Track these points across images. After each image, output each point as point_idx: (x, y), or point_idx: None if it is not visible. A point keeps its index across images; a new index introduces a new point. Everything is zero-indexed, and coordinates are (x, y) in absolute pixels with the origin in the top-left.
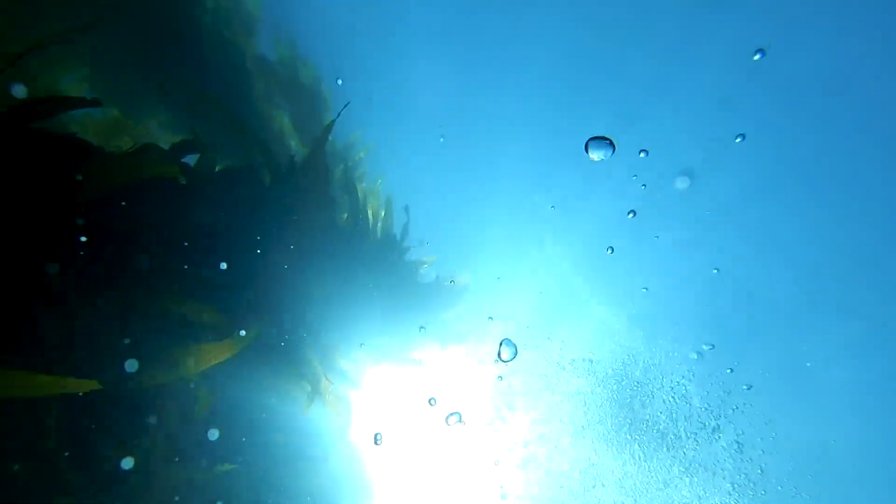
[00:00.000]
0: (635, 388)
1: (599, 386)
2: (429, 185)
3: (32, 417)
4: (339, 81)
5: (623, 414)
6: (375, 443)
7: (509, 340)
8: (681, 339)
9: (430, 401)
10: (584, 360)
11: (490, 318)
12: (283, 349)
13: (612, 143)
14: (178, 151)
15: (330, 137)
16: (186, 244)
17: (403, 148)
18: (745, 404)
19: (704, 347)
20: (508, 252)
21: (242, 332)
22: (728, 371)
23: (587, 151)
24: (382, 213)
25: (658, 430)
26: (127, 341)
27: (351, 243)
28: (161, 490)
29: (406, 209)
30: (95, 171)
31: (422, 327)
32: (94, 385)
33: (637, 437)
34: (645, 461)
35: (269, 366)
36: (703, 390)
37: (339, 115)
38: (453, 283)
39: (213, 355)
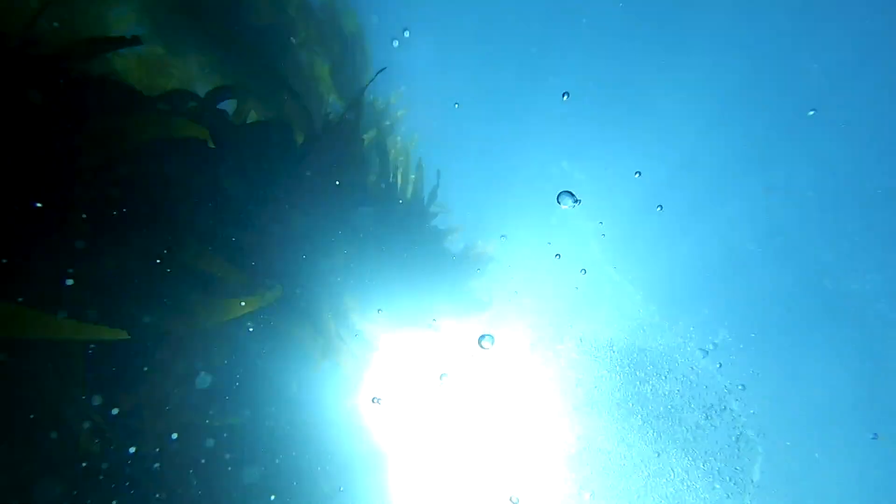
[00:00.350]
0: (647, 367)
1: (611, 363)
2: (461, 149)
3: (57, 362)
4: (406, 34)
5: (631, 389)
6: (373, 401)
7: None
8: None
9: (440, 377)
10: (601, 344)
11: (516, 292)
12: (302, 310)
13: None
14: (216, 97)
15: (369, 98)
16: (214, 198)
17: (440, 112)
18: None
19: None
20: (536, 223)
21: (264, 292)
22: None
23: (558, 202)
24: (412, 177)
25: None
26: (147, 291)
27: (379, 206)
28: (166, 432)
29: (438, 173)
30: (131, 124)
31: (434, 319)
32: (122, 334)
33: (640, 410)
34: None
35: (287, 325)
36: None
37: (372, 79)
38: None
39: (231, 311)
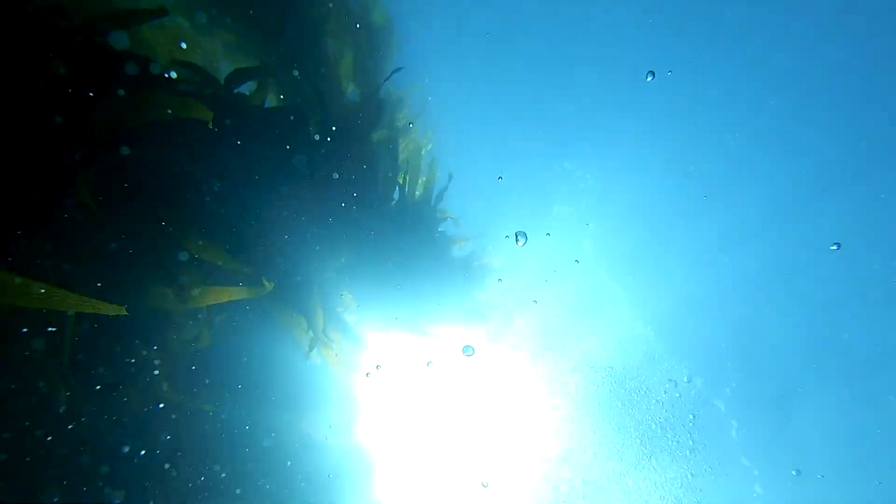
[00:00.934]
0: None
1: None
2: (476, 155)
3: (47, 333)
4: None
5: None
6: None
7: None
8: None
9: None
10: (599, 366)
11: (534, 301)
12: (293, 302)
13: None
14: (237, 78)
15: (387, 91)
16: (217, 183)
17: (460, 117)
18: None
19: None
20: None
21: (259, 283)
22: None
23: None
24: (423, 179)
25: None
26: (140, 268)
27: (386, 206)
28: (144, 409)
29: (450, 176)
30: (138, 98)
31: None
32: (120, 310)
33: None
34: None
35: (279, 316)
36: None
37: (388, 77)
38: (500, 281)
39: (218, 296)
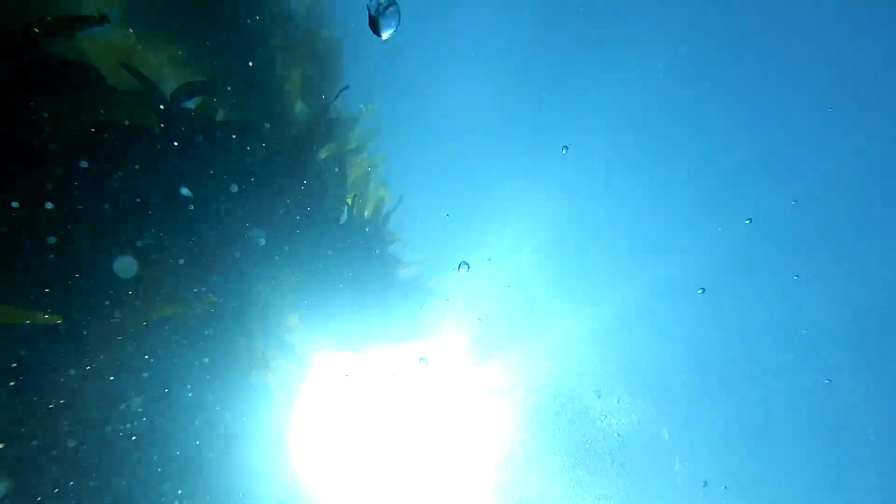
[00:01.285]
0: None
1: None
2: (427, 178)
3: None
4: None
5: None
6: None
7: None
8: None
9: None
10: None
11: (478, 319)
12: (235, 320)
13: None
14: (184, 92)
15: (337, 111)
16: (156, 197)
17: (412, 138)
18: None
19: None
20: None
21: (198, 299)
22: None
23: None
24: (372, 201)
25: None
26: (76, 282)
27: (332, 225)
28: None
29: (400, 198)
30: (85, 105)
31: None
32: (56, 319)
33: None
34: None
35: (218, 334)
36: None
37: (336, 95)
38: (448, 301)
39: (155, 312)
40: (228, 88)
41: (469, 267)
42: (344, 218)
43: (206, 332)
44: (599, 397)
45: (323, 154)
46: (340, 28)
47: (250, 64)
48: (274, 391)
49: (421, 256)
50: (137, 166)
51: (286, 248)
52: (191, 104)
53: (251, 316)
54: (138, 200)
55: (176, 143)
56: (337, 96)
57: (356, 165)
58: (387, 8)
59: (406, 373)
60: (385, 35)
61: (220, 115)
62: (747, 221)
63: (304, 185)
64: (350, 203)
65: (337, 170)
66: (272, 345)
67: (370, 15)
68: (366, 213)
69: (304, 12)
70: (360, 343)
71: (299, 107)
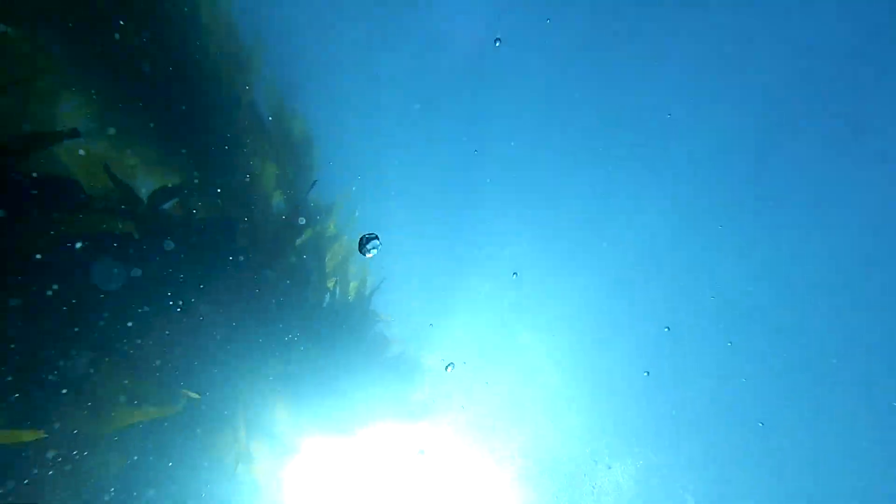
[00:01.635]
0: None
1: None
2: (410, 252)
3: None
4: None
5: None
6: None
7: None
8: None
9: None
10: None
11: (462, 406)
12: (217, 419)
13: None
14: (159, 196)
15: (314, 200)
16: (139, 301)
17: (392, 220)
18: None
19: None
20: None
21: (178, 400)
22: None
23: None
24: (354, 283)
25: None
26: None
27: (315, 311)
28: None
29: (382, 281)
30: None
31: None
32: (39, 434)
33: None
34: None
35: (198, 435)
36: None
37: (309, 189)
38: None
39: (134, 417)
40: (204, 188)
41: (454, 366)
42: (326, 303)
43: (187, 432)
44: (596, 463)
45: (301, 244)
46: (311, 121)
47: (226, 163)
48: (261, 484)
49: (407, 333)
50: (116, 270)
51: (269, 338)
52: (167, 206)
53: (235, 411)
54: (120, 304)
55: (155, 246)
56: (309, 190)
57: (335, 251)
58: (370, 241)
59: (402, 462)
60: (369, 255)
61: (197, 214)
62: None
63: (284, 275)
64: (331, 287)
65: (316, 257)
66: (258, 437)
67: (360, 240)
68: (349, 297)
69: (274, 110)
70: (350, 426)
71: (276, 200)
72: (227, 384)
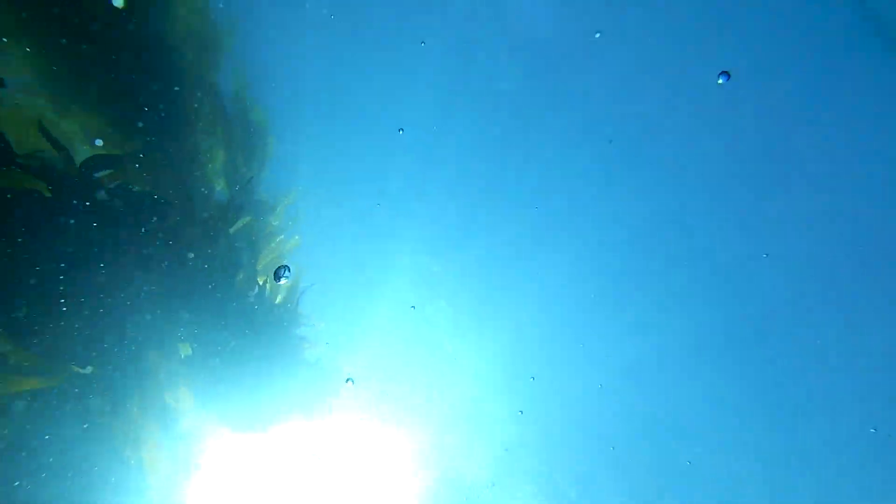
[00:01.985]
0: None
1: None
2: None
3: None
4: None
5: None
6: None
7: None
8: None
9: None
10: None
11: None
12: (114, 397)
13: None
14: (93, 164)
15: (258, 194)
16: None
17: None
18: None
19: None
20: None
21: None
22: None
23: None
24: (286, 283)
25: None
26: None
27: (241, 304)
28: None
29: (311, 285)
30: None
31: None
32: None
33: None
34: None
35: (93, 409)
36: None
37: (245, 183)
38: (350, 383)
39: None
40: (145, 162)
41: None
42: (253, 296)
43: (72, 406)
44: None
45: (236, 233)
46: (270, 114)
47: (173, 141)
48: (150, 470)
49: (328, 337)
50: (24, 229)
51: (182, 321)
52: (100, 174)
53: (132, 391)
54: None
55: (74, 212)
56: (246, 184)
57: (272, 249)
58: (283, 271)
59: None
60: (282, 283)
61: (130, 187)
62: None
63: (210, 261)
64: (261, 283)
65: (250, 251)
66: (156, 421)
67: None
68: (278, 296)
69: (234, 96)
70: (256, 422)
71: (219, 186)
72: (127, 363)
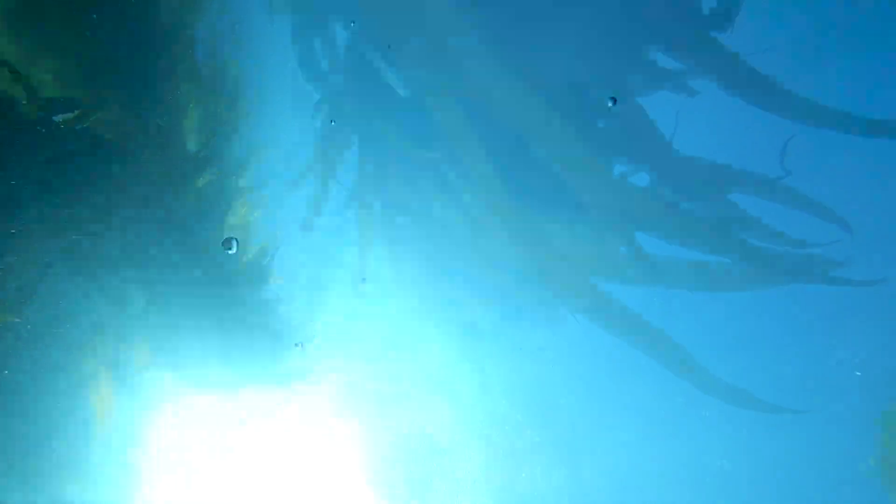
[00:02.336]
0: None
1: None
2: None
3: None
4: None
5: None
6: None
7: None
8: None
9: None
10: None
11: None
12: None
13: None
14: (57, 107)
15: (229, 147)
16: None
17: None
18: None
19: None
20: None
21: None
22: None
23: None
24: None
25: None
26: None
27: (205, 259)
28: None
29: (278, 248)
30: None
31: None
32: None
33: None
34: None
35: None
36: None
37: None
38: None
39: None
40: (113, 109)
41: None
42: (218, 254)
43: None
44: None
45: (204, 185)
46: (251, 77)
47: (146, 91)
48: (98, 418)
49: (292, 295)
50: None
51: (142, 272)
52: (63, 117)
53: (82, 332)
54: None
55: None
56: (214, 138)
57: (240, 205)
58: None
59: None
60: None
61: (94, 132)
62: None
63: (177, 213)
64: (226, 241)
65: (219, 206)
66: (107, 369)
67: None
68: (247, 255)
69: (212, 55)
70: (217, 382)
71: (191, 141)
72: (80, 313)
